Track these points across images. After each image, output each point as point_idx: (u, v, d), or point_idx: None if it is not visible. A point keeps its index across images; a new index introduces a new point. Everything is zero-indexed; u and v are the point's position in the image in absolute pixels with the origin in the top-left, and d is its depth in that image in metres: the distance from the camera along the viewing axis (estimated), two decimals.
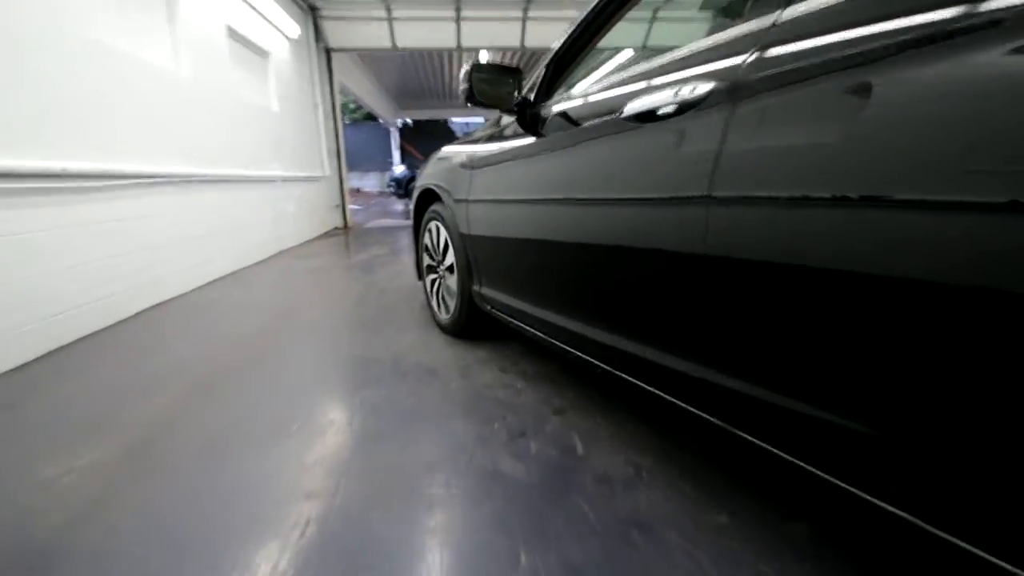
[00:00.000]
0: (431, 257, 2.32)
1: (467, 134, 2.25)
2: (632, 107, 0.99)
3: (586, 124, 1.17)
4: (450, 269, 2.08)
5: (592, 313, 1.24)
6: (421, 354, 2.00)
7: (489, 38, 6.70)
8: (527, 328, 1.59)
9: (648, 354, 1.05)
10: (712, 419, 0.92)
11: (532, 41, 6.72)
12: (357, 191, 18.02)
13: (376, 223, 8.05)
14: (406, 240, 5.82)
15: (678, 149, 0.89)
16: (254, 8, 4.65)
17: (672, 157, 0.91)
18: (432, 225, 2.23)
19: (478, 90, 1.45)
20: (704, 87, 0.84)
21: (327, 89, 6.90)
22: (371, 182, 19.12)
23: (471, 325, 2.08)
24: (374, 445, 1.33)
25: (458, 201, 1.90)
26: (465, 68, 1.43)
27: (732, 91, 0.79)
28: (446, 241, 2.09)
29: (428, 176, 2.26)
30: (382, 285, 3.34)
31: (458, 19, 6.40)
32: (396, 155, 19.26)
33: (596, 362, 1.25)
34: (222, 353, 2.07)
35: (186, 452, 1.33)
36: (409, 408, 1.54)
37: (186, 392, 1.69)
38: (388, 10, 6.21)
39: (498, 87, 1.52)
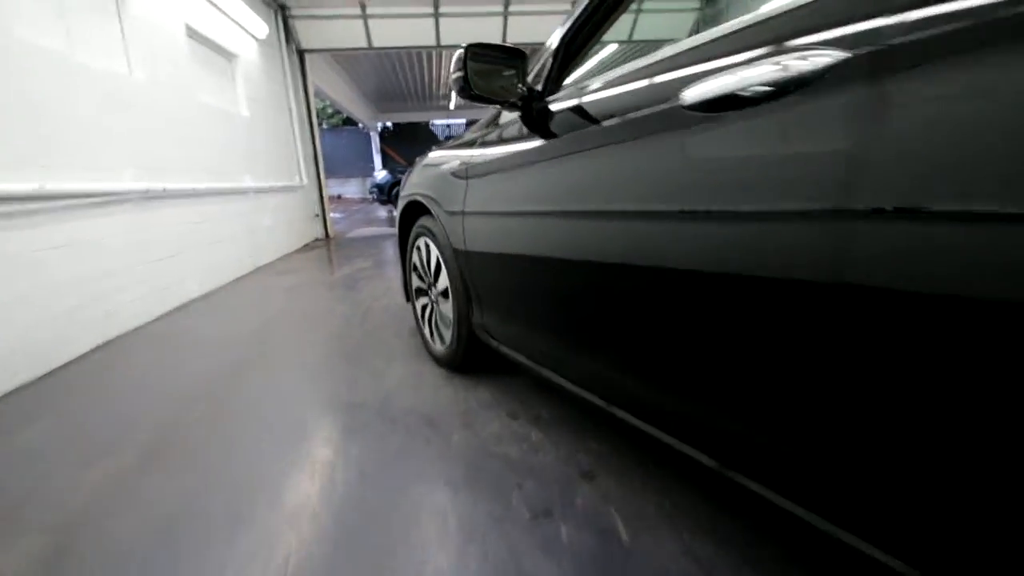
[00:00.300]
0: (420, 278, 2.03)
1: (452, 137, 1.97)
2: (698, 92, 0.72)
3: (621, 119, 0.89)
4: (444, 294, 1.80)
5: (653, 363, 0.93)
6: (413, 395, 1.71)
7: (469, 35, 6.40)
8: (559, 380, 1.25)
9: (736, 424, 0.78)
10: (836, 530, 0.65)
11: (514, 37, 6.44)
12: (338, 198, 17.62)
13: (359, 232, 7.72)
14: (391, 250, 5.52)
15: (782, 144, 0.62)
16: (216, 6, 4.30)
17: (771, 155, 0.64)
18: (421, 242, 1.94)
19: (475, 82, 1.16)
20: (824, 58, 0.57)
21: (301, 93, 6.55)
22: (352, 188, 18.70)
23: (470, 358, 1.79)
24: (357, 539, 1.04)
25: (451, 214, 1.61)
26: (459, 52, 1.15)
27: (876, 60, 0.52)
28: (438, 260, 1.81)
29: (414, 185, 1.97)
30: (367, 305, 3.04)
31: (436, 15, 6.10)
32: (377, 160, 18.85)
33: (661, 434, 0.95)
34: (179, 403, 1.76)
35: (110, 562, 1.02)
36: (401, 476, 1.25)
37: (125, 465, 1.37)
38: (362, 7, 5.89)
39: (497, 77, 1.24)
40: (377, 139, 18.93)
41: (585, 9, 1.13)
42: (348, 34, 6.28)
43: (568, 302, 1.15)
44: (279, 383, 1.90)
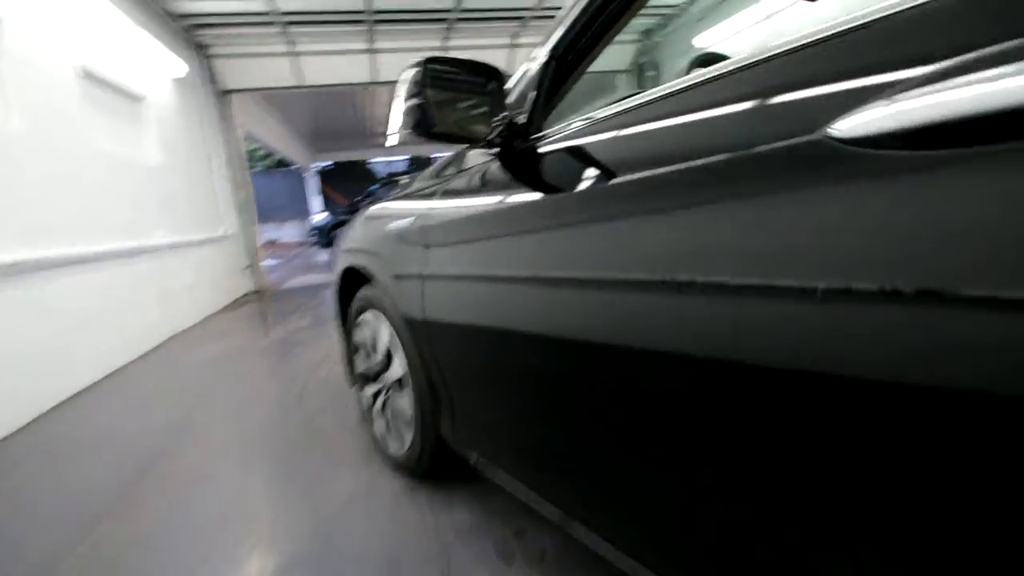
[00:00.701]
0: (367, 359, 1.62)
1: (395, 175, 1.60)
2: (881, 119, 0.39)
3: (687, 164, 0.56)
4: (400, 383, 1.40)
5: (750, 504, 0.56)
6: (366, 527, 1.28)
7: None
8: (592, 540, 0.86)
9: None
10: None
11: None
12: (273, 243, 16.72)
13: (296, 281, 7.11)
14: (332, 302, 5.00)
15: None
16: (118, 46, 3.80)
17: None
18: (368, 316, 1.54)
19: (438, 115, 0.81)
20: None
21: (227, 136, 6.01)
22: (291, 231, 17.83)
23: (439, 463, 1.38)
24: None
25: (401, 278, 1.23)
26: (412, 71, 0.80)
27: None
28: (389, 340, 1.41)
29: (357, 242, 1.58)
30: (303, 380, 2.56)
31: (372, 51, 5.80)
32: (315, 201, 18.14)
33: None
34: (29, 565, 1.24)
35: None
36: None
37: None
38: (292, 44, 5.51)
39: (459, 105, 0.90)
40: (315, 180, 18.24)
41: (584, 11, 0.81)
42: (276, 73, 5.86)
43: (592, 401, 0.77)
44: (175, 522, 1.41)
